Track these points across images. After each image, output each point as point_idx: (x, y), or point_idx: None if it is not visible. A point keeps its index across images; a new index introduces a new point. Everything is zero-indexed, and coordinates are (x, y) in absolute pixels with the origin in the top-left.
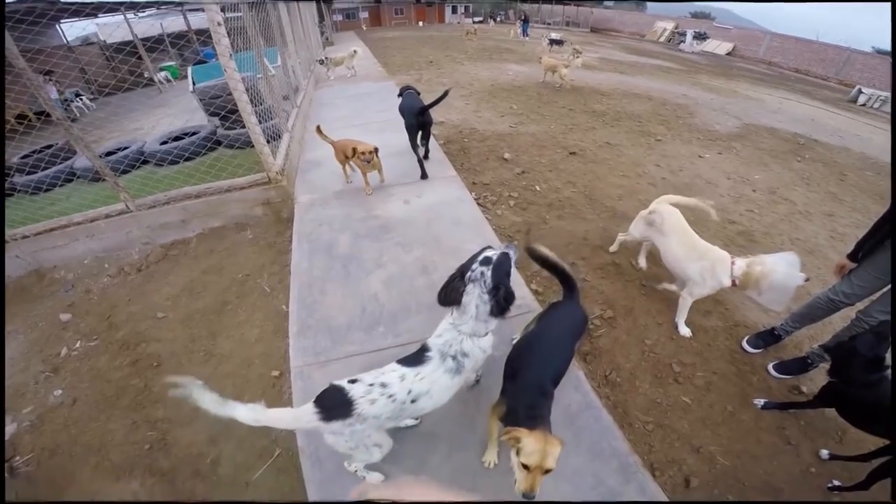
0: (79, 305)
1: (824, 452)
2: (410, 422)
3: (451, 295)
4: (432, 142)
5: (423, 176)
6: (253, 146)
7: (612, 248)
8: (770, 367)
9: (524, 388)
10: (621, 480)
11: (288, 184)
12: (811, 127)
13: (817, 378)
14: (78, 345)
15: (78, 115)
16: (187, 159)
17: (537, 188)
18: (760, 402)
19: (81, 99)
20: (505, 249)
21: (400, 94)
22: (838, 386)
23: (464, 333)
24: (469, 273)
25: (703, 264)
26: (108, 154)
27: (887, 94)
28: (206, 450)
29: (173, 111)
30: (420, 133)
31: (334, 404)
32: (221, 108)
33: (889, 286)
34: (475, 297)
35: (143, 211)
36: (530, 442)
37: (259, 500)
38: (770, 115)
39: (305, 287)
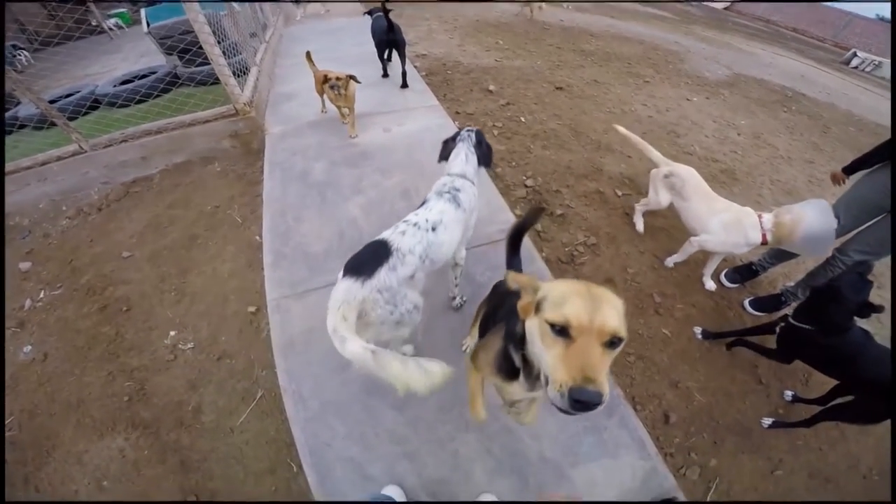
0: (38, 252)
1: (788, 394)
2: (409, 348)
3: (445, 150)
4: (413, 73)
5: (385, 75)
6: (217, 83)
7: (639, 229)
8: (746, 303)
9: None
10: (605, 414)
11: (257, 115)
12: (800, 82)
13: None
14: (42, 294)
15: (20, 67)
16: (142, 100)
17: (522, 119)
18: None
19: (22, 53)
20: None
21: (369, 13)
22: (797, 332)
23: (454, 175)
24: (458, 134)
25: (726, 217)
26: (56, 101)
27: (881, 59)
28: (187, 397)
29: (128, 56)
30: (391, 51)
31: (366, 259)
32: (180, 45)
33: (866, 225)
34: (464, 149)
35: (99, 150)
36: (561, 287)
37: (272, 501)
38: (761, 67)
39: (279, 215)
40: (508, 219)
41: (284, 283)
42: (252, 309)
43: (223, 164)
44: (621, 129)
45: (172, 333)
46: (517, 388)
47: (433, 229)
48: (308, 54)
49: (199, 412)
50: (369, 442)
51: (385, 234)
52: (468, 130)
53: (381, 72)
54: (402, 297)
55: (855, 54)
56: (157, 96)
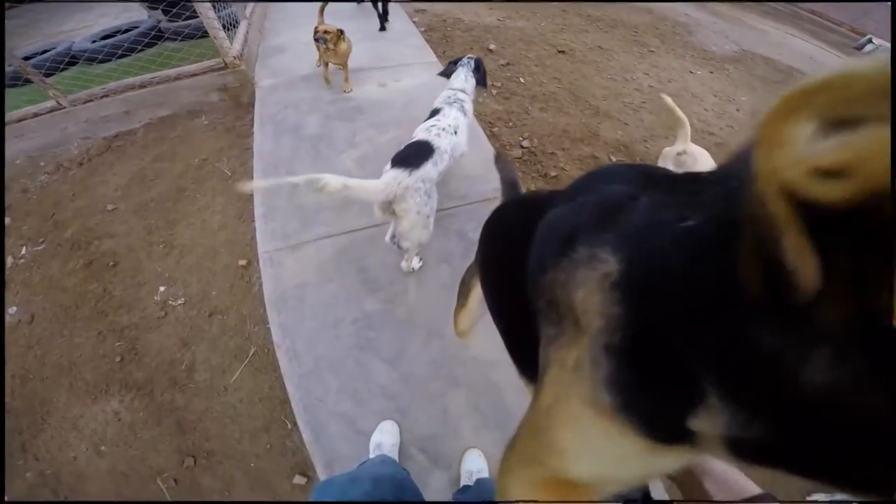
0: (17, 207)
1: None
2: (416, 263)
3: (447, 70)
4: (412, 28)
5: (382, 28)
6: (204, 36)
7: None
8: None
9: None
10: None
11: (247, 69)
12: (809, 64)
13: None
14: (24, 251)
15: None
16: (124, 55)
17: (521, 80)
18: None
19: None
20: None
21: None
22: None
23: (456, 89)
24: (459, 59)
25: None
26: (31, 58)
27: None
28: (179, 355)
29: (107, 12)
30: None
31: (412, 154)
32: None
33: None
34: (464, 71)
35: (79, 106)
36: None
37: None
38: (770, 46)
39: (271, 168)
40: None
41: (277, 235)
42: (243, 262)
43: (211, 118)
44: (668, 100)
45: (162, 289)
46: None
47: (455, 132)
48: (322, 7)
49: (193, 371)
50: (362, 397)
51: (423, 137)
52: (468, 58)
53: (378, 24)
54: (433, 191)
55: (870, 40)
56: (140, 52)
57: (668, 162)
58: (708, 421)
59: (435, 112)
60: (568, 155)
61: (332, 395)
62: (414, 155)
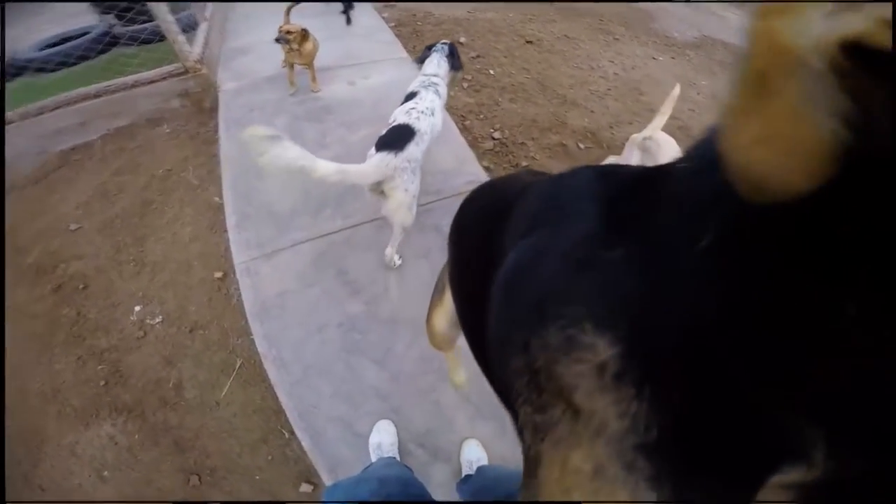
0: None
1: None
2: (397, 260)
3: (422, 56)
4: (381, 24)
5: (348, 21)
6: (161, 40)
7: None
8: None
9: None
10: None
11: (209, 72)
12: None
13: None
14: None
15: None
16: (76, 63)
17: (491, 72)
18: None
19: None
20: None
21: None
22: None
23: (428, 74)
24: (434, 46)
25: None
26: None
27: None
28: (165, 373)
29: (54, 17)
30: None
31: (395, 138)
32: (117, 3)
33: None
34: (437, 56)
35: (29, 120)
36: None
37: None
38: (731, 31)
39: (239, 174)
40: (476, 171)
41: (251, 245)
42: (219, 274)
43: (173, 125)
44: (676, 91)
45: (138, 308)
46: None
47: (433, 114)
48: (289, 8)
49: (181, 388)
50: (355, 400)
51: (403, 120)
52: (442, 43)
53: (345, 19)
54: (418, 171)
55: None
56: (94, 59)
57: (633, 148)
58: (799, 475)
59: (412, 95)
60: (538, 144)
61: (325, 401)
62: (397, 138)
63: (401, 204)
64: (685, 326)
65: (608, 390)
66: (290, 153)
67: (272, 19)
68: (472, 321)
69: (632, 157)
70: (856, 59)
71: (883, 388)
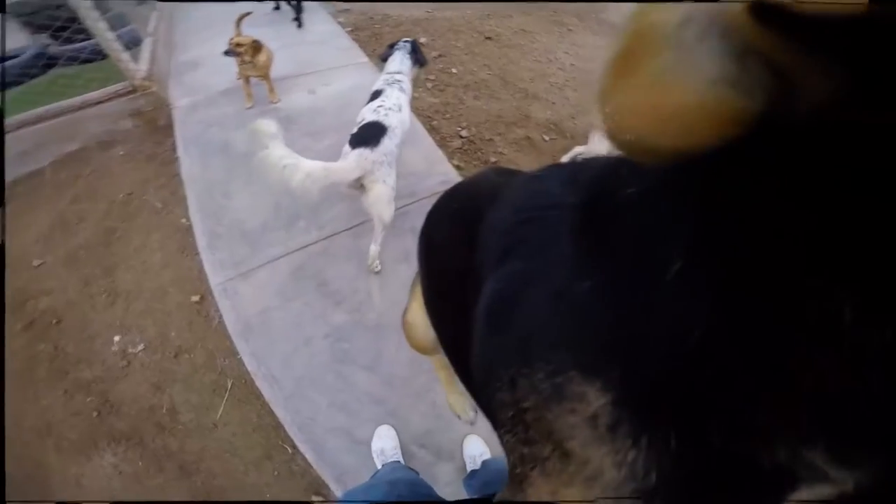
0: None
1: None
2: (376, 266)
3: (385, 54)
4: (338, 29)
5: (298, 23)
6: (104, 58)
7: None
8: None
9: None
10: None
11: (160, 89)
12: None
13: None
14: None
15: None
16: (9, 87)
17: (454, 71)
18: None
19: None
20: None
21: None
22: None
23: (392, 72)
24: (396, 44)
25: None
26: None
27: None
28: (156, 400)
29: None
30: None
31: (368, 135)
32: (51, 21)
33: None
34: (400, 54)
35: None
36: None
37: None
38: None
39: (205, 194)
40: (447, 170)
41: (226, 265)
42: (196, 298)
43: (127, 147)
44: None
45: (117, 338)
46: None
47: (400, 110)
48: (240, 18)
49: (176, 413)
50: (352, 408)
51: (372, 118)
52: (404, 41)
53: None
54: (394, 164)
55: None
56: (27, 80)
57: (596, 135)
58: (828, 490)
59: (377, 93)
60: (504, 139)
61: (322, 412)
62: (371, 134)
63: (381, 196)
64: (670, 367)
65: (603, 442)
66: (277, 152)
67: (220, 29)
68: (450, 337)
69: (598, 145)
70: (765, 20)
71: (866, 385)
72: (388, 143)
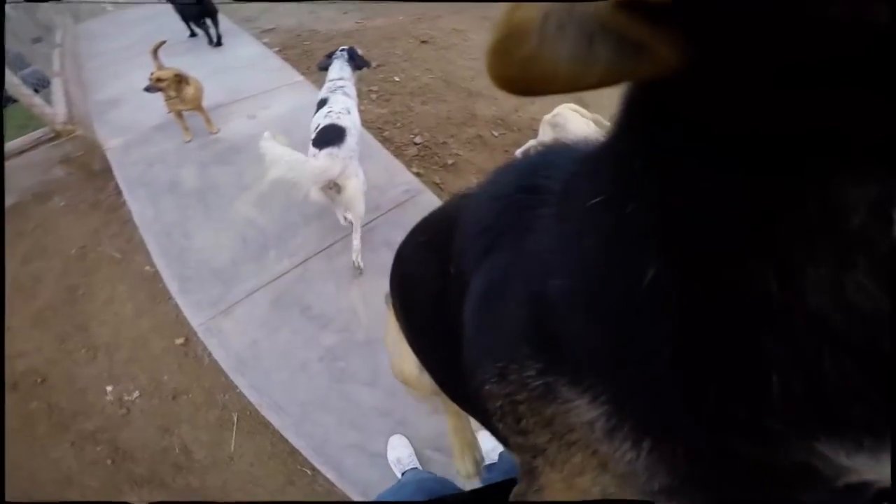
0: None
1: None
2: (356, 251)
3: (323, 63)
4: (265, 51)
5: (219, 44)
6: (14, 102)
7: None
8: None
9: None
10: None
11: (86, 132)
12: None
13: None
14: None
15: None
16: None
17: (396, 79)
18: None
19: None
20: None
21: None
22: None
23: (333, 80)
24: (333, 53)
25: None
26: None
27: None
28: (166, 441)
29: None
30: (205, 21)
31: (331, 135)
32: None
33: None
34: (338, 63)
35: None
36: None
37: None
38: None
39: (164, 237)
40: (408, 179)
41: (204, 305)
42: (180, 340)
43: (66, 197)
44: (572, 106)
45: (109, 388)
46: None
47: (349, 112)
48: (155, 48)
49: (189, 452)
50: (361, 424)
51: (326, 122)
52: (341, 50)
53: (207, 39)
54: (357, 159)
55: None
56: None
57: (546, 127)
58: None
59: (323, 102)
60: (457, 140)
61: (333, 432)
62: (332, 135)
63: (356, 189)
64: (655, 373)
65: (602, 442)
66: (273, 151)
67: (134, 64)
68: (438, 360)
69: (546, 135)
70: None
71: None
72: (350, 141)
